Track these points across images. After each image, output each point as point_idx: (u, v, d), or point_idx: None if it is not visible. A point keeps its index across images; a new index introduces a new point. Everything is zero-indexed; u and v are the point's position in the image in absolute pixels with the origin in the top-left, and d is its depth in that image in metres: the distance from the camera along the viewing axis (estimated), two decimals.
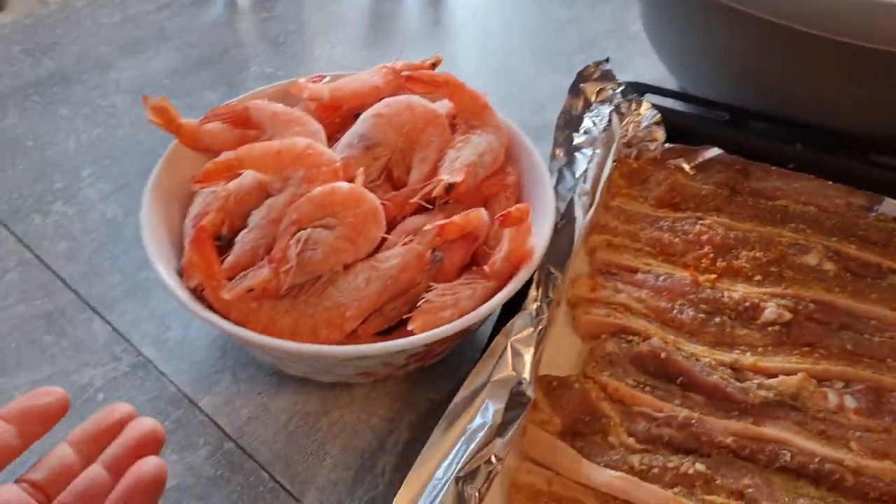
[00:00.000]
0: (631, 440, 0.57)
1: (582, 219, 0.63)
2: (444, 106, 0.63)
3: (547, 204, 0.59)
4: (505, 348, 0.53)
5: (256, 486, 0.55)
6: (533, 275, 0.56)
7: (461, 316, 0.52)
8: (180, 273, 0.55)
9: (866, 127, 0.73)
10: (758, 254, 0.67)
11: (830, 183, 0.72)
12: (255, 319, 0.52)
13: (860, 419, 0.59)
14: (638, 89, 0.75)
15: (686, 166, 0.75)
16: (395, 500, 0.47)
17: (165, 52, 0.93)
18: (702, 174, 0.74)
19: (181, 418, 0.59)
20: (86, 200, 0.74)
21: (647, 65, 0.90)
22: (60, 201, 0.74)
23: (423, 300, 0.52)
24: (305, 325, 0.52)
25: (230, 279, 0.53)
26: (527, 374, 0.53)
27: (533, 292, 0.55)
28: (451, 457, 0.49)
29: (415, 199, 0.55)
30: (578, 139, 0.68)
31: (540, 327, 0.55)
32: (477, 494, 0.48)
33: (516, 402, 0.52)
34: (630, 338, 0.62)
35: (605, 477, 0.53)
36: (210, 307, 0.53)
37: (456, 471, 0.48)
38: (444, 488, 0.47)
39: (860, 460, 0.56)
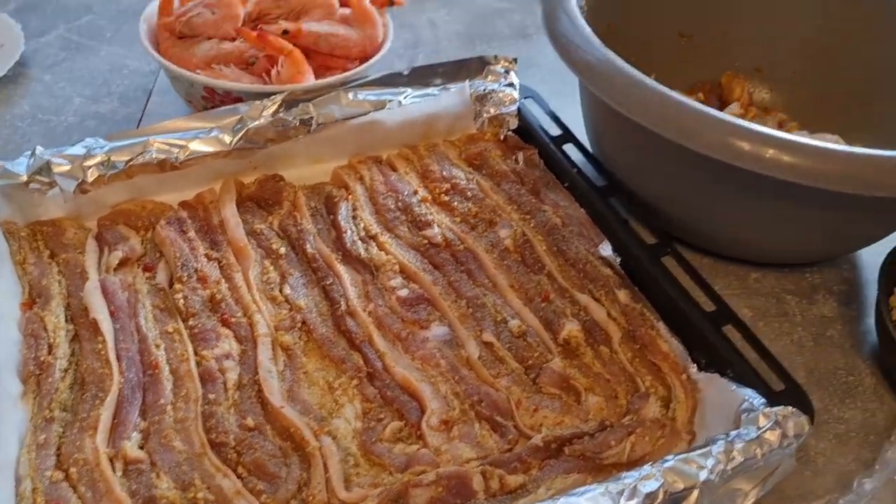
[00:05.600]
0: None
1: (375, 113, 0.91)
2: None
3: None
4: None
5: None
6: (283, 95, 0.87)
7: None
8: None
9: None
10: (475, 209, 0.88)
11: (588, 218, 0.87)
12: (165, 45, 0.94)
13: (398, 307, 0.79)
14: (524, 91, 0.97)
15: (519, 156, 0.95)
16: None
17: None
18: (517, 164, 0.94)
19: None
20: None
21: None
22: None
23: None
24: (181, 59, 0.92)
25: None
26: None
27: (272, 106, 0.87)
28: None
29: (262, 26, 0.91)
30: (438, 81, 0.95)
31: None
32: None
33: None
34: (343, 191, 0.89)
35: (231, 214, 0.84)
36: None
37: None
38: None
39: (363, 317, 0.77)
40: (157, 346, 0.72)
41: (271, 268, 0.81)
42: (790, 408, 0.67)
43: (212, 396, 0.69)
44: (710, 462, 0.63)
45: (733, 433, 0.65)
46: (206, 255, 0.81)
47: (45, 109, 1.00)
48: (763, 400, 0.68)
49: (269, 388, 0.70)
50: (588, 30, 0.81)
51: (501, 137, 0.97)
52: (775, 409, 0.67)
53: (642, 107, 0.75)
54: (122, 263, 0.80)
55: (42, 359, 0.70)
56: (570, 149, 0.93)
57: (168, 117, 0.97)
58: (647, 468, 0.62)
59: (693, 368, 0.74)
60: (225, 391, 0.70)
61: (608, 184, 0.89)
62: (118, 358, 0.71)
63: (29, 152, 0.81)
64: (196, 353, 0.72)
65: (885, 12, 0.97)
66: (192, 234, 0.82)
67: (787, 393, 0.70)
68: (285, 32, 0.90)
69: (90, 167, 0.82)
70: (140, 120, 1.00)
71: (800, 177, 0.72)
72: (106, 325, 0.73)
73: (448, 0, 1.30)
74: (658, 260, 0.81)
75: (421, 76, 0.95)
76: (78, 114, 1.00)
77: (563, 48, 0.81)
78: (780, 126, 1.02)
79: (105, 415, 0.67)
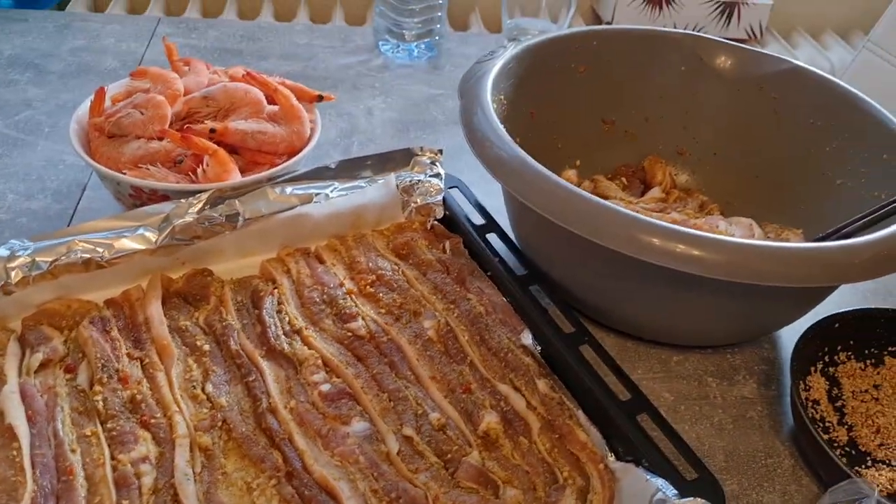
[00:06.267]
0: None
1: (302, 206, 0.93)
2: None
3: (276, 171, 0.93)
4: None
5: None
6: (209, 192, 0.89)
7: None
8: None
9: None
10: (400, 300, 0.89)
11: (509, 306, 0.89)
12: (95, 144, 0.95)
13: (320, 402, 0.79)
14: (449, 180, 1.00)
15: (446, 245, 0.97)
16: None
17: None
18: (444, 253, 0.96)
19: None
20: None
21: None
22: None
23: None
24: (110, 158, 0.93)
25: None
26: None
27: (198, 204, 0.88)
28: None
29: (188, 126, 0.93)
30: (366, 174, 0.97)
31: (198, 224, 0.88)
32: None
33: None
34: (270, 284, 0.90)
35: (156, 312, 0.85)
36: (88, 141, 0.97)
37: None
38: None
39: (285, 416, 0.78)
40: (74, 451, 0.72)
41: (194, 365, 0.81)
42: (700, 499, 0.68)
43: (125, 503, 0.69)
44: None
45: None
46: (129, 355, 0.81)
47: None
48: (675, 490, 0.69)
49: (183, 492, 0.70)
50: (500, 127, 0.84)
51: (428, 226, 0.99)
52: (685, 500, 0.68)
53: (553, 205, 0.78)
54: (44, 365, 0.80)
55: None
56: (493, 238, 0.95)
57: (101, 213, 0.98)
58: None
59: (611, 457, 0.75)
60: (140, 496, 0.69)
61: (529, 272, 0.92)
62: (33, 464, 0.70)
63: None
64: (113, 457, 0.72)
65: (790, 100, 1.02)
66: (115, 333, 0.82)
67: (699, 482, 0.72)
68: (212, 131, 0.92)
69: (14, 268, 0.82)
70: (72, 216, 1.01)
71: (708, 270, 0.74)
72: (22, 430, 0.73)
73: (385, 88, 1.34)
74: (576, 348, 0.82)
75: (348, 169, 0.97)
76: (11, 211, 1.01)
77: (478, 143, 0.84)
78: (702, 208, 1.06)
79: None
